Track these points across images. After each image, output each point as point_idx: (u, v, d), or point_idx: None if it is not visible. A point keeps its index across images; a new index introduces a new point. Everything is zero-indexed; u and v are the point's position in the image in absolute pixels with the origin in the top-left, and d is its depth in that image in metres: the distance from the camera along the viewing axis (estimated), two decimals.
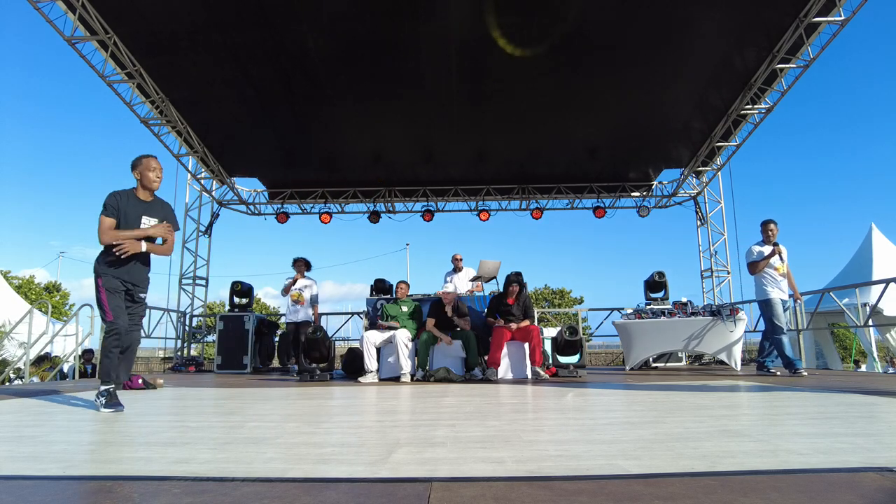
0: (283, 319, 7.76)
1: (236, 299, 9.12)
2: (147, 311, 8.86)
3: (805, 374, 5.77)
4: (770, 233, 6.05)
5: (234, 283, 9.13)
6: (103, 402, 3.33)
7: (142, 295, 3.80)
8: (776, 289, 5.97)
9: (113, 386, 3.42)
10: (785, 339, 5.87)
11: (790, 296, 6.14)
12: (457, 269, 7.89)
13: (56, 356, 10.76)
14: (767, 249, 6.02)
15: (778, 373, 5.93)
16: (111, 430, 2.61)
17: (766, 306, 6.01)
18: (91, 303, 7.65)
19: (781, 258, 5.99)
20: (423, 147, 10.00)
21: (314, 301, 7.91)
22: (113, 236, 3.50)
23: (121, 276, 3.61)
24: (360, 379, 5.90)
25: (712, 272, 10.99)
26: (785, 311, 6.01)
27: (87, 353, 9.56)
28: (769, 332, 6.03)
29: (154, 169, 3.72)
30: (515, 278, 6.12)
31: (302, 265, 7.77)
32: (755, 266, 6.01)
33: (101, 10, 6.66)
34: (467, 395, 4.21)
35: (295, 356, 7.54)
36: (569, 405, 3.51)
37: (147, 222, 3.67)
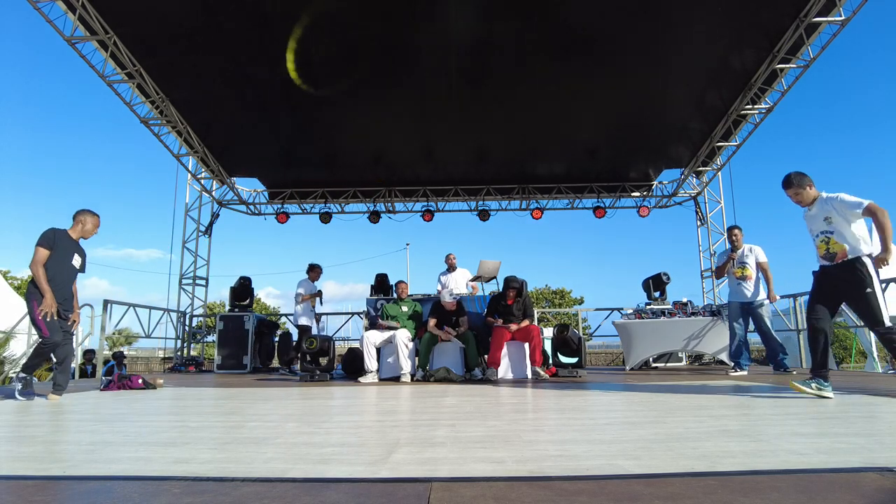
0: (300, 321, 7.80)
1: (237, 300, 9.12)
2: (148, 311, 8.92)
3: (736, 373, 5.90)
4: (734, 238, 6.21)
5: (242, 279, 9.14)
6: (20, 387, 4.17)
7: (68, 312, 4.41)
8: (733, 292, 6.16)
9: (30, 376, 4.31)
10: (735, 341, 6.10)
11: (768, 294, 6.13)
12: (451, 269, 7.88)
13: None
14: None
15: (795, 371, 5.90)
16: (111, 430, 2.60)
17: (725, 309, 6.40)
18: (91, 303, 7.67)
19: (734, 264, 6.13)
20: (423, 147, 9.99)
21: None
22: (41, 285, 4.12)
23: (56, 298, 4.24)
24: (360, 379, 5.90)
25: (712, 272, 10.98)
26: (756, 309, 5.99)
27: (89, 354, 9.57)
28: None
29: (94, 224, 4.51)
30: (514, 285, 6.08)
31: (319, 271, 7.98)
32: (715, 272, 6.51)
33: (101, 10, 6.66)
34: (467, 395, 4.20)
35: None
36: (569, 405, 3.51)
37: (76, 259, 4.43)
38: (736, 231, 6.22)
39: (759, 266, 6.04)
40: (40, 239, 4.18)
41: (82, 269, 4.51)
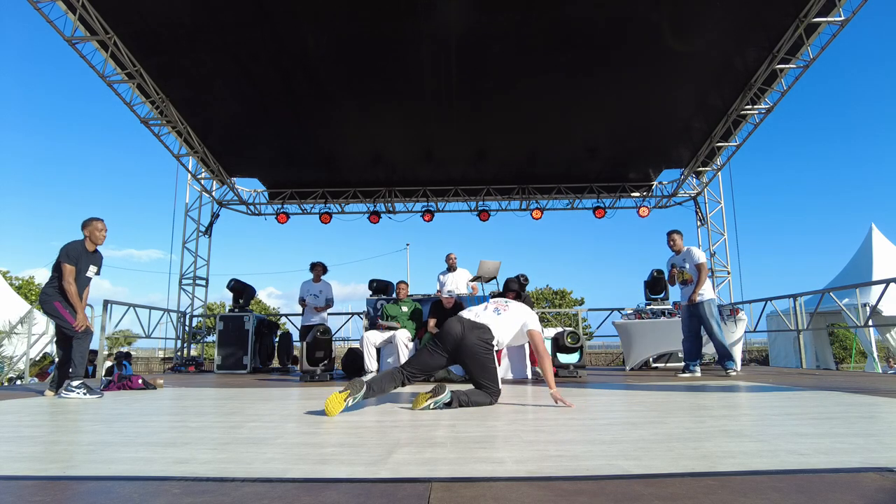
0: (305, 321, 7.82)
1: (239, 300, 9.11)
2: (148, 311, 8.92)
3: (685, 376, 5.91)
4: (671, 243, 6.24)
5: (231, 280, 9.12)
6: (84, 391, 4.23)
7: None
8: (681, 295, 6.22)
9: (84, 381, 4.36)
10: (684, 343, 6.18)
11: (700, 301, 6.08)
12: (451, 269, 7.88)
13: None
14: (674, 259, 6.28)
15: (732, 373, 5.96)
16: (111, 430, 2.60)
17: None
18: (91, 303, 7.66)
19: (675, 274, 6.16)
20: (423, 147, 10.00)
21: (330, 304, 8.02)
22: (75, 302, 4.41)
23: None
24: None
25: (712, 272, 10.96)
26: (699, 317, 5.99)
27: (91, 354, 9.56)
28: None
29: (102, 230, 4.62)
30: (513, 286, 6.06)
31: (320, 270, 7.90)
32: (669, 281, 6.40)
33: (101, 10, 6.66)
34: None
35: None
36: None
37: (92, 269, 4.65)
38: (674, 236, 6.22)
39: (696, 267, 6.03)
40: (66, 257, 4.40)
41: (97, 273, 4.72)
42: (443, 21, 6.78)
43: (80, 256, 4.49)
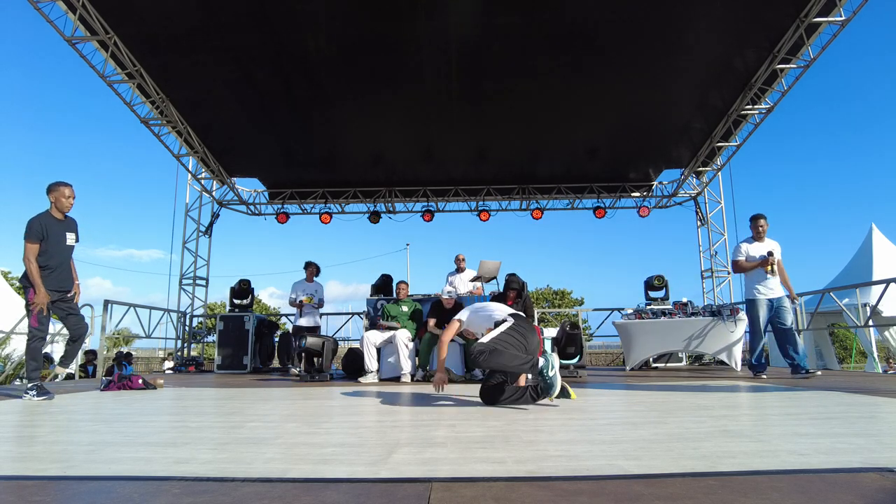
0: (296, 321, 7.84)
1: (236, 300, 9.13)
2: (148, 311, 8.91)
3: (764, 377, 5.54)
4: (760, 229, 5.70)
5: (242, 281, 9.15)
6: (34, 394, 4.07)
7: (70, 294, 4.45)
8: (764, 287, 5.61)
9: (40, 382, 4.23)
10: (760, 342, 5.66)
11: (787, 295, 5.69)
12: (459, 270, 7.89)
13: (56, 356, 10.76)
14: (755, 248, 5.68)
15: (819, 372, 5.71)
16: (111, 430, 2.60)
17: (749, 307, 5.74)
18: (91, 303, 7.68)
19: (771, 265, 5.57)
20: (423, 147, 9.99)
21: (322, 303, 8.06)
22: (35, 281, 4.11)
23: (49, 286, 4.23)
24: (361, 379, 5.90)
25: (712, 272, 10.98)
26: (777, 308, 5.59)
27: (90, 354, 9.56)
28: (752, 332, 5.74)
29: (69, 196, 4.35)
30: (514, 285, 6.09)
31: (314, 270, 7.92)
32: (740, 267, 5.76)
33: (101, 11, 6.66)
34: (468, 395, 4.20)
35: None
36: (569, 405, 3.51)
37: (70, 237, 4.38)
38: (762, 221, 5.68)
39: (778, 262, 5.60)
40: (28, 233, 4.14)
41: (76, 240, 4.45)
42: (443, 23, 6.77)
43: (48, 228, 4.19)
